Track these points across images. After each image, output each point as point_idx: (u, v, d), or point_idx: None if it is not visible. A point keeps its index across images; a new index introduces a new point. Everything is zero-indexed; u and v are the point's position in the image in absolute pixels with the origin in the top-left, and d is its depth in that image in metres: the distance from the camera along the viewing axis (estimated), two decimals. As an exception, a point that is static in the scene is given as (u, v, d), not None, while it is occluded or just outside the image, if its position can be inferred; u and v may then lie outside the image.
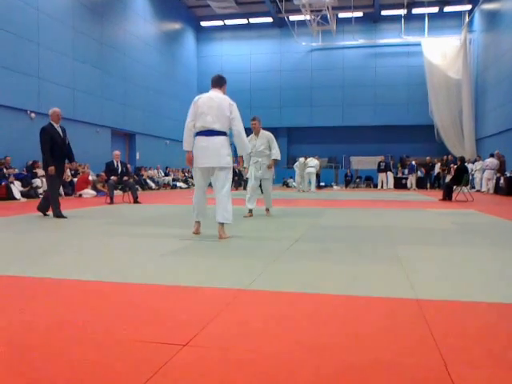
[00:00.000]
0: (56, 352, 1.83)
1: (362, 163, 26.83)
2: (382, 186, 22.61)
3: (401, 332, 2.08)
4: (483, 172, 18.19)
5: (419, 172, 23.13)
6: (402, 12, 25.20)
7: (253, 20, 27.86)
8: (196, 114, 5.02)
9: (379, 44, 26.86)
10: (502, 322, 2.24)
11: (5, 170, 12.63)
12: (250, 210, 7.38)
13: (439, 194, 14.34)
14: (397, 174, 24.02)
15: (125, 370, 1.65)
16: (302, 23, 25.77)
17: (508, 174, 16.23)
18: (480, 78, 23.81)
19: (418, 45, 25.62)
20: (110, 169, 11.27)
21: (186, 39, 27.47)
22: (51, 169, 7.10)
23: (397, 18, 25.97)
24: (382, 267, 3.49)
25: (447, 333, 2.05)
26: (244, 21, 27.94)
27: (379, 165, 22.66)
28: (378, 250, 4.30)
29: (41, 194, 12.61)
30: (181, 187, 22.79)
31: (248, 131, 6.54)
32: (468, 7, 24.65)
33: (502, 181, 16.34)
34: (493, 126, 21.10)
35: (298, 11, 24.14)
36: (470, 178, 14.20)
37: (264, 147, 7.47)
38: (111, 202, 10.63)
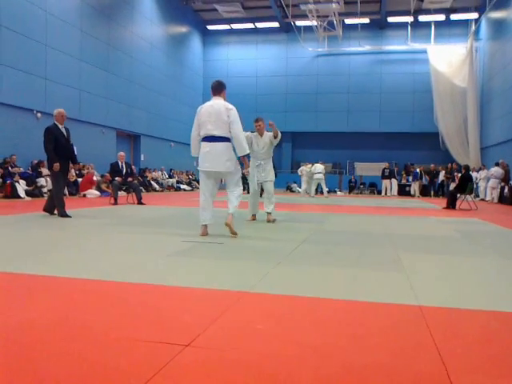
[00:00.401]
0: (57, 351, 1.84)
1: (367, 169, 26.81)
2: (385, 193, 22.56)
3: (402, 337, 2.08)
4: (488, 181, 18.14)
5: (423, 179, 23.08)
6: (409, 19, 25.23)
7: (259, 24, 27.95)
8: (199, 124, 5.34)
9: (385, 51, 26.88)
10: (502, 330, 2.24)
11: (10, 169, 12.70)
12: (254, 215, 7.31)
13: (443, 201, 14.30)
14: (401, 181, 23.98)
15: (126, 370, 1.66)
16: (309, 29, 25.84)
17: (512, 183, 16.18)
18: (486, 86, 23.78)
19: (424, 52, 25.62)
20: (114, 170, 11.31)
21: (192, 42, 27.57)
22: (56, 165, 7.16)
23: (403, 25, 25.99)
24: (385, 273, 3.49)
25: (448, 339, 2.05)
26: (250, 25, 28.03)
27: (383, 171, 22.62)
28: (381, 256, 4.30)
29: (45, 193, 12.67)
30: (185, 189, 22.83)
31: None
32: (475, 15, 24.65)
33: (506, 190, 16.30)
34: (498, 135, 21.05)
35: (304, 16, 24.21)
36: (475, 186, 14.17)
37: (267, 149, 7.17)
38: (115, 203, 10.66)
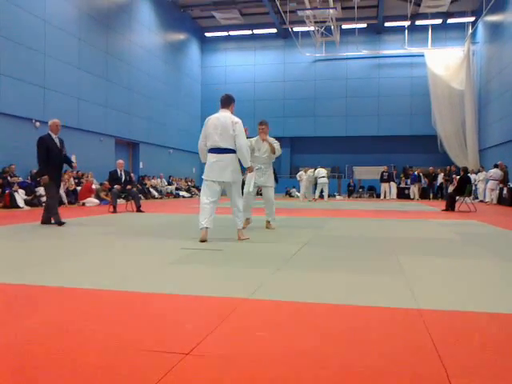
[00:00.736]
0: (59, 360, 1.84)
1: (365, 173, 26.84)
2: (384, 196, 22.58)
3: (402, 341, 2.08)
4: (486, 182, 18.17)
5: (422, 182, 23.10)
6: (406, 23, 25.34)
7: (257, 31, 28.06)
8: (206, 135, 5.59)
9: (383, 55, 26.98)
10: (503, 332, 2.24)
11: (9, 179, 12.70)
12: (248, 218, 6.91)
13: (442, 204, 14.32)
14: (400, 184, 24.00)
15: (127, 379, 1.66)
16: (306, 34, 25.94)
17: (511, 185, 16.20)
18: (483, 89, 23.85)
19: (422, 56, 25.72)
20: (113, 177, 11.31)
21: (190, 50, 27.67)
22: (45, 178, 7.26)
23: (400, 30, 26.09)
24: (384, 277, 3.49)
25: (449, 342, 2.05)
26: (248, 32, 28.14)
27: (382, 175, 22.64)
28: (380, 259, 4.30)
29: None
30: (184, 196, 22.83)
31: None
32: (471, 19, 24.77)
33: (505, 191, 16.31)
34: (496, 137, 21.10)
35: (302, 22, 24.30)
36: (473, 188, 14.18)
37: (268, 153, 7.03)
38: (114, 211, 10.65)
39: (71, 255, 4.51)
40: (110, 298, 2.86)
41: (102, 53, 18.59)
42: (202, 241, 5.34)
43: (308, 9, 21.84)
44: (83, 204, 14.32)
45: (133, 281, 3.31)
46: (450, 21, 25.46)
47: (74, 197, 14.59)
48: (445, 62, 25.30)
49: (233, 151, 5.51)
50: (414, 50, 25.88)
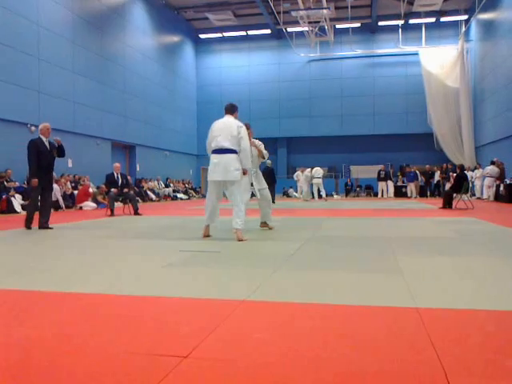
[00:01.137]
0: (56, 365, 1.83)
1: (362, 172, 26.88)
2: (382, 195, 22.63)
3: (401, 341, 2.08)
4: (483, 179, 18.22)
5: (419, 180, 23.16)
6: (399, 22, 25.41)
7: (251, 32, 28.06)
8: (211, 137, 5.89)
9: (377, 54, 27.03)
10: (501, 330, 2.24)
11: (5, 184, 12.67)
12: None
13: (439, 202, 14.34)
14: (397, 182, 24.05)
15: (125, 383, 1.65)
16: (300, 34, 25.97)
17: (508, 182, 16.25)
18: (478, 86, 23.93)
19: (416, 54, 25.78)
20: (110, 181, 11.29)
21: (184, 51, 27.66)
22: (34, 181, 7.36)
23: (394, 29, 26.15)
24: (382, 276, 3.50)
25: (447, 341, 2.05)
26: (242, 33, 28.14)
27: (379, 173, 22.71)
28: (378, 259, 4.30)
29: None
30: (181, 198, 22.83)
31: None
32: (464, 17, 24.86)
33: (501, 188, 16.36)
34: (492, 134, 21.17)
35: (295, 23, 24.32)
36: (470, 185, 14.21)
37: (256, 156, 6.98)
38: (112, 214, 10.64)
39: (68, 259, 4.50)
40: (107, 301, 2.85)
41: (97, 56, 18.56)
42: (205, 236, 5.88)
43: (302, 9, 21.86)
44: (80, 208, 14.29)
45: (130, 284, 3.30)
46: (443, 19, 25.54)
47: (71, 201, 14.56)
48: (439, 60, 25.38)
49: (234, 151, 5.73)
50: (408, 49, 25.96)
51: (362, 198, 23.44)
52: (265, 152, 7.01)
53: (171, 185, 23.62)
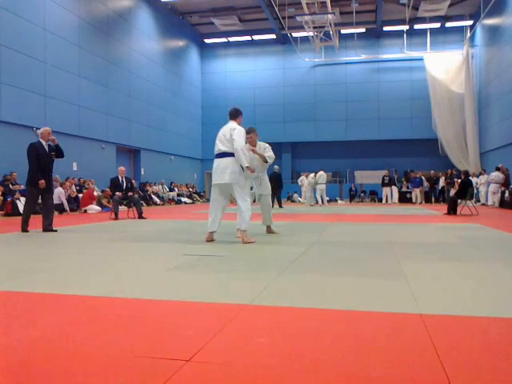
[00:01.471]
0: (58, 367, 1.83)
1: (367, 177, 26.85)
2: (386, 201, 22.58)
3: (404, 347, 2.07)
4: (488, 185, 18.15)
5: (424, 185, 23.10)
6: (404, 28, 25.43)
7: (256, 37, 28.16)
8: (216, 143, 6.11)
9: (382, 59, 27.04)
10: (505, 337, 2.23)
11: (11, 186, 12.73)
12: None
13: (444, 208, 14.30)
14: (401, 188, 23.99)
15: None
16: (305, 39, 26.03)
17: (513, 188, 16.18)
18: (483, 91, 23.89)
19: (421, 60, 25.78)
20: (114, 184, 11.33)
21: (190, 56, 27.76)
22: (42, 182, 7.47)
23: (399, 34, 26.19)
24: (386, 282, 3.49)
25: (450, 347, 2.04)
26: (247, 38, 28.23)
27: (383, 179, 22.66)
28: (382, 264, 4.29)
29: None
30: (185, 202, 22.85)
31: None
32: (469, 22, 24.86)
33: (507, 194, 16.29)
34: (497, 140, 21.11)
35: (300, 28, 24.40)
36: (475, 191, 14.16)
37: (261, 162, 6.84)
38: (116, 218, 10.67)
39: (72, 262, 4.51)
40: (110, 304, 2.85)
41: (102, 60, 18.66)
42: (208, 240, 5.95)
43: (306, 14, 21.92)
44: (85, 211, 14.34)
45: (133, 287, 3.30)
46: (448, 24, 25.55)
47: (75, 204, 14.60)
48: (444, 65, 25.36)
49: (231, 154, 5.86)
50: (413, 54, 25.96)
51: (367, 204, 23.39)
52: (268, 155, 6.83)
53: (175, 189, 23.65)
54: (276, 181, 16.61)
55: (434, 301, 2.89)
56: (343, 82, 27.52)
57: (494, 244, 6.03)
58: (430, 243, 6.02)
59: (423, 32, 25.96)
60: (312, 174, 19.70)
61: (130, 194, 11.27)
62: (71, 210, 13.94)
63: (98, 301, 2.93)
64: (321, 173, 19.41)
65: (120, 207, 11.20)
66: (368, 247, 5.55)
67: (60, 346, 2.08)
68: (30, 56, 14.64)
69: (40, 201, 7.96)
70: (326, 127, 27.51)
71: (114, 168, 17.68)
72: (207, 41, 29.02)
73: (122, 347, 2.06)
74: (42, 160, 7.56)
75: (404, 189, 24.00)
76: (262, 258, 4.82)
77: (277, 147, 27.39)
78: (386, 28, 26.31)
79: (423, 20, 25.07)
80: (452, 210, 12.37)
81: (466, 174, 13.07)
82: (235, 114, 6.17)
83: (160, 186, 22.36)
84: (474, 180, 17.36)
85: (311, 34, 24.28)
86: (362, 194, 26.12)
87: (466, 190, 12.24)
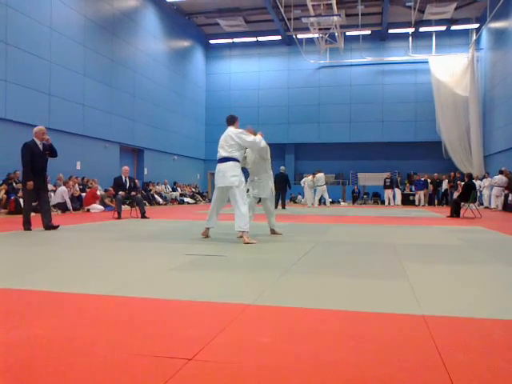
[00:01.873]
0: (60, 366, 1.84)
1: (370, 179, 26.82)
2: (388, 203, 22.57)
3: (406, 348, 2.07)
4: (491, 189, 18.10)
5: (427, 188, 23.07)
6: (410, 30, 25.40)
7: (261, 38, 28.16)
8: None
9: (387, 62, 27.02)
10: (507, 339, 2.23)
11: (14, 185, 12.76)
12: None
13: (447, 210, 14.26)
14: (404, 190, 23.97)
15: (130, 384, 1.66)
16: (310, 41, 26.03)
17: (516, 191, 16.13)
18: (488, 95, 23.84)
19: (426, 62, 25.74)
20: (118, 184, 11.35)
21: (194, 57, 27.80)
22: (30, 184, 7.46)
23: (404, 36, 26.16)
24: (389, 283, 3.48)
25: (453, 348, 2.04)
26: (253, 39, 28.24)
27: (385, 181, 22.68)
28: (385, 266, 4.29)
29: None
30: (188, 202, 22.86)
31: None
32: (475, 26, 24.79)
33: (510, 198, 16.25)
34: (501, 143, 21.06)
35: (306, 29, 24.40)
36: (478, 194, 14.12)
37: (257, 162, 6.82)
38: (119, 217, 10.68)
39: (74, 261, 4.52)
40: (112, 303, 2.86)
41: (107, 60, 18.71)
42: (203, 235, 6.44)
43: (312, 16, 21.93)
44: (88, 210, 14.36)
45: (136, 286, 3.31)
46: (454, 27, 25.50)
47: (78, 203, 14.63)
48: (449, 68, 25.31)
49: (231, 159, 6.12)
50: (418, 57, 25.91)
51: (369, 206, 23.36)
52: (257, 141, 6.40)
53: (178, 189, 23.68)
54: (282, 181, 16.61)
55: (436, 302, 2.89)
56: (348, 84, 27.51)
57: (497, 247, 6.02)
58: (433, 245, 6.01)
59: (428, 35, 25.92)
60: (310, 176, 19.73)
61: (133, 193, 11.29)
62: (74, 209, 13.96)
63: (98, 300, 2.94)
64: (319, 174, 19.41)
65: (123, 207, 11.21)
66: (371, 248, 5.54)
67: (61, 345, 2.09)
68: (35, 55, 14.69)
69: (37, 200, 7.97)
70: (329, 129, 27.50)
71: (117, 167, 17.71)
72: (212, 41, 29.06)
73: (123, 346, 2.06)
74: (36, 159, 7.58)
75: (407, 191, 23.97)
76: (264, 258, 4.82)
77: (280, 148, 27.51)
78: (391, 30, 26.28)
79: (429, 23, 25.02)
80: (455, 213, 12.35)
81: (470, 176, 13.04)
82: (232, 120, 6.41)
83: (163, 186, 22.39)
84: (477, 183, 17.32)
85: (316, 35, 24.28)
86: (365, 196, 26.10)
87: (470, 193, 12.21)
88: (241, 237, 6.17)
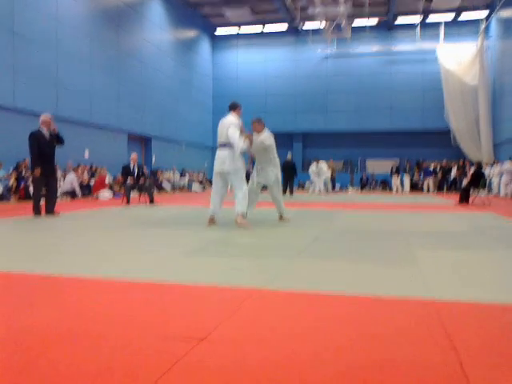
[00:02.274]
0: (74, 344, 1.88)
1: (378, 167, 26.70)
2: (396, 190, 22.54)
3: (416, 333, 2.07)
4: (501, 176, 17.98)
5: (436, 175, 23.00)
6: (417, 19, 25.11)
7: (268, 28, 27.98)
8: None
9: (394, 51, 26.75)
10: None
11: (24, 173, 12.88)
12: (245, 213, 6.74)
13: (456, 197, 14.19)
14: (413, 177, 23.89)
15: (142, 364, 1.68)
16: (317, 31, 25.81)
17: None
18: (497, 83, 23.58)
19: (434, 52, 25.46)
20: (126, 172, 11.39)
21: (201, 47, 27.69)
22: (37, 171, 7.53)
23: (412, 26, 25.85)
24: (398, 269, 3.49)
25: (463, 334, 2.05)
26: (259, 28, 28.07)
27: (391, 169, 22.70)
28: (394, 252, 4.28)
29: (57, 196, 12.80)
30: (196, 191, 22.89)
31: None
32: (484, 14, 24.44)
33: (519, 186, 16.14)
34: (511, 131, 20.86)
35: (313, 19, 24.21)
36: (488, 182, 14.03)
37: (261, 151, 6.80)
38: (128, 203, 10.74)
39: (86, 246, 4.55)
40: (125, 287, 2.89)
41: (114, 50, 18.69)
42: (210, 224, 6.29)
43: (319, 5, 21.74)
44: (97, 197, 14.45)
45: (148, 271, 3.34)
46: (462, 16, 25.16)
47: (87, 190, 14.73)
48: (457, 57, 25.01)
49: (230, 145, 6.17)
50: (426, 46, 25.63)
51: (377, 192, 23.31)
52: (236, 142, 6.17)
53: (187, 174, 23.67)
54: (288, 169, 16.61)
55: (446, 287, 2.89)
56: (355, 73, 27.30)
57: (506, 232, 6.00)
58: (442, 231, 5.99)
59: (436, 24, 25.56)
60: (314, 163, 19.69)
61: (142, 181, 11.33)
62: (83, 195, 14.06)
63: (113, 284, 2.98)
64: (321, 164, 19.46)
65: (131, 194, 11.26)
66: (380, 235, 5.54)
67: (77, 324, 2.13)
68: (42, 46, 14.73)
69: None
70: (337, 117, 27.35)
71: (125, 156, 17.76)
72: (219, 32, 28.90)
73: (138, 327, 2.10)
74: (43, 148, 7.62)
75: (416, 178, 23.91)
76: (273, 244, 4.83)
77: (288, 137, 27.44)
78: (398, 20, 25.97)
79: (437, 12, 24.70)
80: (464, 200, 12.28)
81: (479, 164, 12.97)
82: (233, 107, 6.47)
83: (171, 173, 22.43)
84: (486, 171, 17.20)
85: (323, 25, 24.09)
86: (373, 183, 26.06)
87: (479, 180, 12.14)
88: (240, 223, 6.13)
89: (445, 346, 1.87)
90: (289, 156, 17.31)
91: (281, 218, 7.13)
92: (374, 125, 26.82)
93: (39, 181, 7.69)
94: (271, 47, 28.37)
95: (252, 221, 6.61)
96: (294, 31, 27.47)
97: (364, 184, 25.63)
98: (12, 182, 12.48)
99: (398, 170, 22.26)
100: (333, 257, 4.04)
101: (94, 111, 17.25)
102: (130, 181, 11.10)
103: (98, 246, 4.62)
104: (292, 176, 16.98)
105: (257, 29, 28.03)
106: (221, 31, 28.75)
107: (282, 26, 27.55)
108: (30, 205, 8.08)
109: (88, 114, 16.91)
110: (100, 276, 3.13)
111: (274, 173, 6.92)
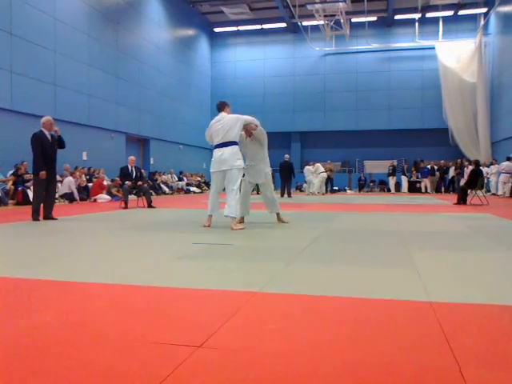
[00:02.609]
0: (70, 353, 1.86)
1: (376, 167, 26.70)
2: (395, 190, 22.54)
3: (414, 334, 2.07)
4: (499, 175, 17.99)
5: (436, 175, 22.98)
6: (416, 16, 25.11)
7: (266, 25, 27.97)
8: (210, 134, 6.47)
9: (393, 48, 26.76)
10: (516, 325, 2.23)
11: (22, 175, 12.82)
12: (242, 217, 6.76)
13: (454, 197, 14.20)
14: (411, 177, 23.87)
15: (139, 372, 1.67)
16: (316, 28, 25.82)
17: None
18: (496, 80, 23.58)
19: (432, 48, 25.47)
20: (124, 174, 11.37)
21: (199, 45, 27.67)
22: (43, 173, 7.44)
23: (410, 22, 25.87)
24: (395, 270, 3.49)
25: (461, 335, 2.05)
26: (257, 26, 28.05)
27: (389, 169, 22.68)
28: (391, 253, 4.29)
29: (56, 198, 12.76)
30: (194, 192, 22.89)
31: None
32: (483, 10, 24.43)
33: (517, 184, 16.15)
34: (509, 129, 20.86)
35: (311, 16, 24.19)
36: (486, 181, 14.03)
37: (251, 148, 6.73)
38: (125, 207, 10.72)
39: (82, 250, 4.55)
40: (121, 291, 2.88)
41: (112, 49, 18.66)
42: (206, 226, 6.29)
43: (317, 2, 21.72)
44: (95, 200, 14.42)
45: (145, 275, 3.33)
46: (461, 12, 25.16)
47: (85, 193, 14.69)
48: (456, 54, 25.04)
49: (232, 143, 6.18)
50: (425, 43, 25.64)
51: (376, 194, 23.31)
52: (251, 119, 6.51)
53: (184, 178, 23.69)
54: (286, 170, 16.56)
55: (443, 289, 2.89)
56: (353, 71, 27.31)
57: (504, 233, 6.00)
58: (440, 232, 6.00)
59: (435, 20, 25.61)
60: (311, 164, 19.86)
61: (140, 183, 11.31)
62: (81, 199, 14.02)
63: (109, 288, 2.96)
64: (317, 164, 19.59)
65: (129, 196, 11.24)
66: (378, 236, 5.54)
67: (72, 333, 2.11)
68: (39, 45, 14.68)
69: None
70: (335, 117, 27.36)
71: (123, 157, 17.75)
72: (217, 30, 28.88)
73: (133, 333, 2.09)
74: (46, 150, 7.56)
75: (413, 178, 23.88)
76: (271, 246, 4.84)
77: (286, 136, 27.45)
78: (397, 16, 25.99)
79: (435, 8, 24.71)
80: (462, 200, 12.29)
81: (477, 163, 12.97)
82: (222, 106, 6.47)
83: (169, 176, 22.41)
84: (484, 170, 17.21)
85: (322, 22, 24.07)
86: (372, 184, 26.03)
87: (476, 180, 12.15)
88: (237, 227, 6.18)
89: (442, 347, 1.88)
90: (286, 156, 17.29)
91: (278, 218, 7.06)
92: (373, 124, 26.88)
93: (41, 184, 7.61)
94: (270, 45, 28.43)
95: (249, 223, 6.63)
96: (293, 29, 27.48)
97: (362, 185, 25.62)
98: (9, 185, 12.42)
99: (394, 171, 22.26)
100: (331, 259, 4.04)
101: (91, 111, 17.25)
102: (127, 183, 11.08)
103: (95, 251, 4.62)
104: (289, 177, 16.91)
105: (255, 27, 28.00)
106: (219, 29, 28.73)
107: (281, 24, 27.51)
108: (27, 210, 8.05)
109: (86, 114, 16.90)
110: (96, 281, 3.11)
111: (265, 171, 6.82)
